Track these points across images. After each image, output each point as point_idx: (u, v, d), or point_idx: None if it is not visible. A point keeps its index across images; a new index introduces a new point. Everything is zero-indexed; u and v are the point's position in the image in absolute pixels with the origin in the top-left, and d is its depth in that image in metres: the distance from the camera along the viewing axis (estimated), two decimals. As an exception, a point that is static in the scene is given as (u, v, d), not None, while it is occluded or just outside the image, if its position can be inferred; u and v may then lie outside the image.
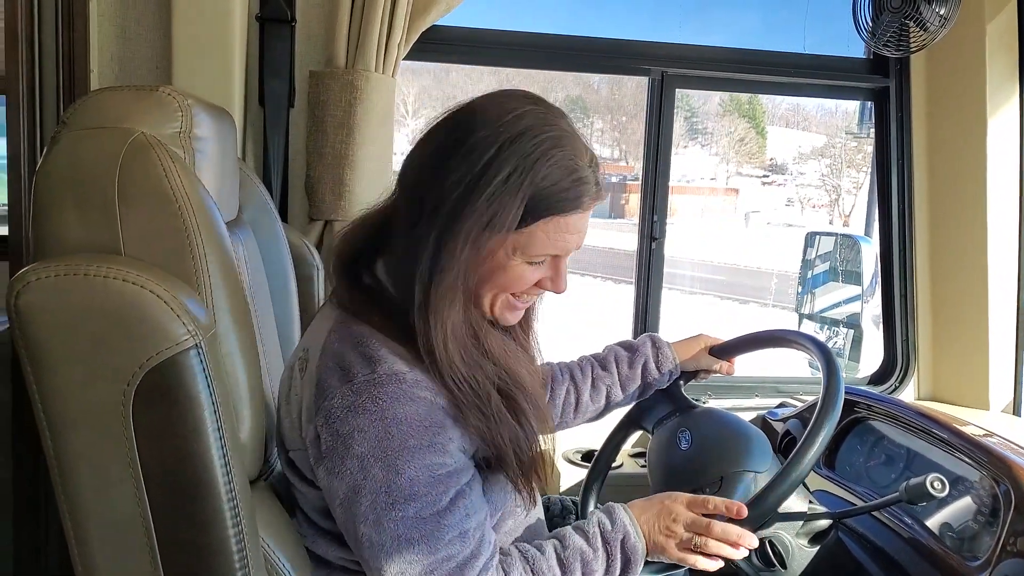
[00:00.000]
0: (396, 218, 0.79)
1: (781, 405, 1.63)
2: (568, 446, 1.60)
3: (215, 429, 0.70)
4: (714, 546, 0.82)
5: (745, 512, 0.84)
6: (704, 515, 0.83)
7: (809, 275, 2.53)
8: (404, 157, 0.83)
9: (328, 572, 0.84)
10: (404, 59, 1.47)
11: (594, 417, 1.13)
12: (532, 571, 0.78)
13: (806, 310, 2.59)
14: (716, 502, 0.84)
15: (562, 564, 0.79)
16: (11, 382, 1.39)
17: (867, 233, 2.70)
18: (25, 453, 1.38)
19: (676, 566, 0.87)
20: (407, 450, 0.72)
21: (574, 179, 0.76)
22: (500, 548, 0.79)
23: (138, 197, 0.75)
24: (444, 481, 0.74)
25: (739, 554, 0.84)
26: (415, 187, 0.78)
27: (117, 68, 1.44)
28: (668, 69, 1.65)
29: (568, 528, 0.83)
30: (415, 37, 1.45)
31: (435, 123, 0.80)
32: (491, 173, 0.73)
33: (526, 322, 0.90)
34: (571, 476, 1.57)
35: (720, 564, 0.84)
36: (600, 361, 1.12)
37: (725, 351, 1.12)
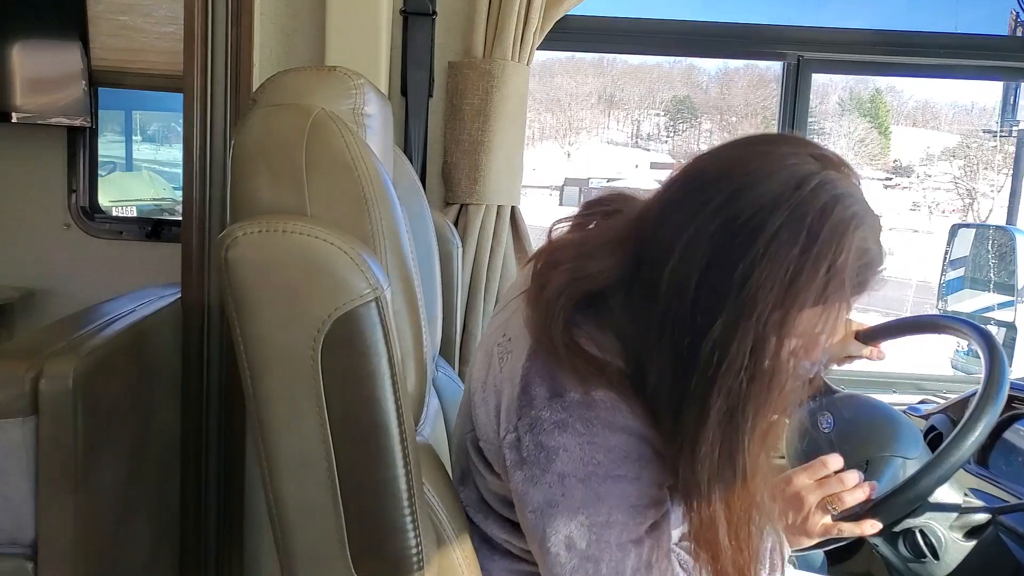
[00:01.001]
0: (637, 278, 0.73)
1: (922, 402, 1.58)
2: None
3: (391, 377, 0.77)
4: (848, 497, 0.81)
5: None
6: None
7: (951, 272, 2.41)
8: (638, 219, 0.75)
9: (489, 550, 0.86)
10: (538, 48, 1.54)
11: None
12: None
13: (951, 308, 2.46)
14: (828, 460, 0.83)
15: None
16: (180, 351, 1.54)
17: (1011, 234, 2.54)
18: (190, 414, 1.54)
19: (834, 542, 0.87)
20: (611, 479, 0.71)
21: (869, 261, 0.69)
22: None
23: (323, 165, 0.83)
24: (643, 512, 0.73)
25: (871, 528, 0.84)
26: (665, 257, 0.68)
27: (276, 63, 1.58)
28: (804, 53, 1.64)
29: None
30: (550, 26, 1.51)
31: (695, 180, 0.71)
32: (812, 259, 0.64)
33: None
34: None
35: (867, 530, 0.84)
36: None
37: (873, 336, 1.07)
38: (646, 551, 0.72)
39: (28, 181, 2.09)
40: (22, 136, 2.07)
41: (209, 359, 1.51)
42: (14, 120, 1.97)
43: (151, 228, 2.13)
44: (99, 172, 2.21)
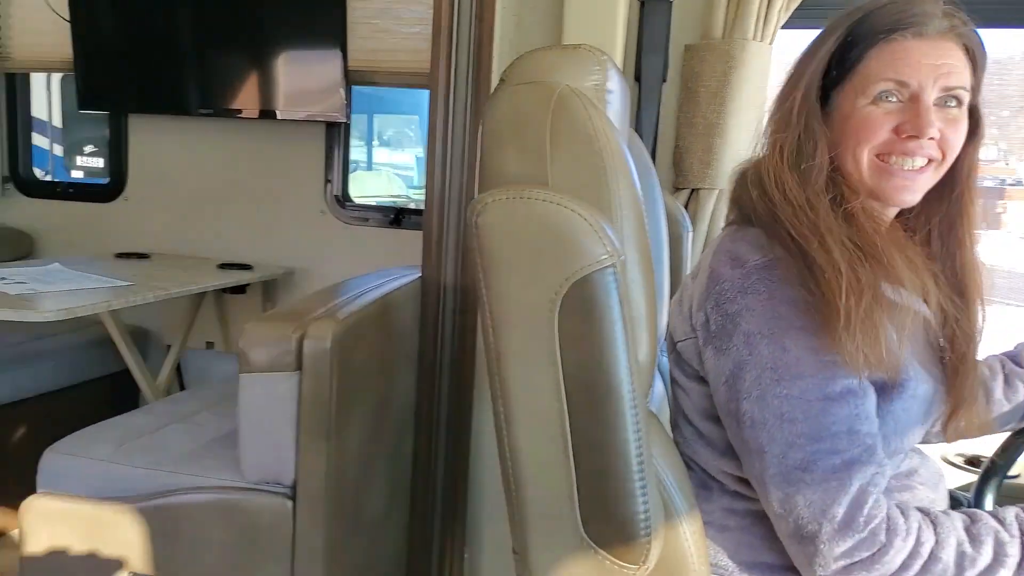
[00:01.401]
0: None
1: None
2: (949, 447, 1.46)
3: (624, 342, 0.79)
4: None
5: None
6: None
7: None
8: None
9: (707, 492, 0.88)
10: (782, 27, 1.48)
11: (1008, 422, 1.02)
12: (933, 523, 0.74)
13: None
14: None
15: (971, 534, 0.74)
16: (418, 323, 1.68)
17: None
18: (425, 380, 1.67)
19: None
20: (794, 329, 0.73)
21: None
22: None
23: (565, 138, 0.87)
24: (831, 368, 0.73)
25: None
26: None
27: (513, 54, 1.66)
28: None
29: (973, 509, 0.78)
30: (796, 3, 1.45)
31: None
32: (819, 38, 0.80)
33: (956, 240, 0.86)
34: (950, 481, 1.43)
35: None
36: (1013, 357, 1.01)
37: None
38: (846, 414, 0.72)
39: (292, 172, 2.39)
40: (288, 132, 2.37)
41: (443, 331, 1.63)
42: (279, 117, 2.26)
43: (394, 216, 2.35)
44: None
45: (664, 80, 1.56)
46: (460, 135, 1.74)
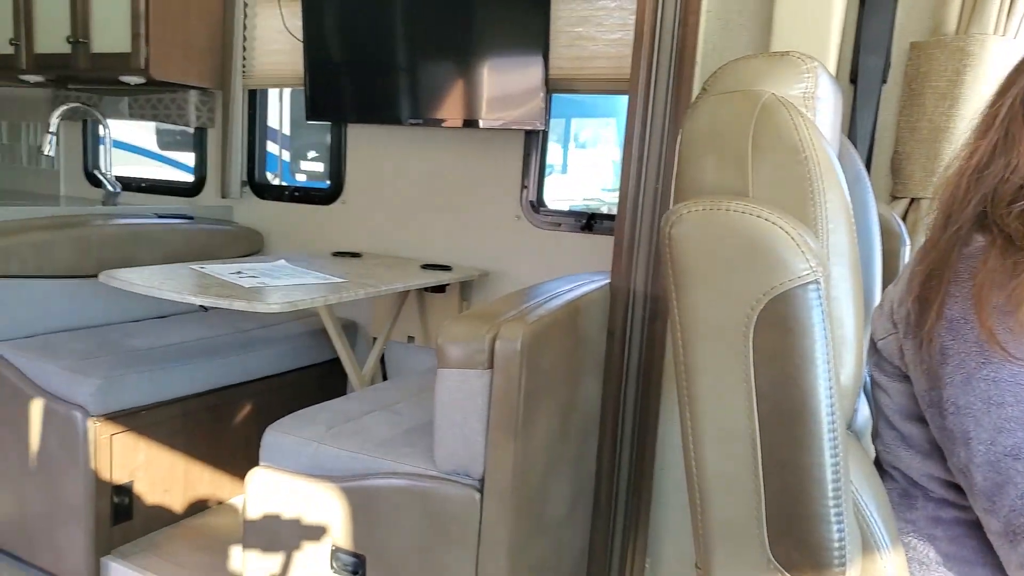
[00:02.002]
0: None
1: None
2: None
3: (824, 361, 0.76)
4: None
5: None
6: None
7: None
8: None
9: (911, 500, 0.84)
10: (1029, 19, 1.33)
11: None
12: None
13: None
14: None
15: None
16: (606, 329, 1.71)
17: None
18: (611, 385, 1.69)
19: None
20: (997, 309, 0.70)
21: None
22: None
23: (769, 148, 0.85)
24: None
25: None
26: None
27: (718, 58, 1.64)
28: None
29: None
30: (1050, -10, 1.30)
31: None
32: None
33: None
34: None
35: None
36: None
37: None
38: None
39: (490, 179, 2.51)
40: (488, 140, 2.50)
41: (631, 339, 1.65)
42: (481, 126, 2.38)
43: (585, 221, 2.39)
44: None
45: (884, 82, 1.46)
46: (657, 142, 1.74)
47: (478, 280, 2.54)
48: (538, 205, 2.49)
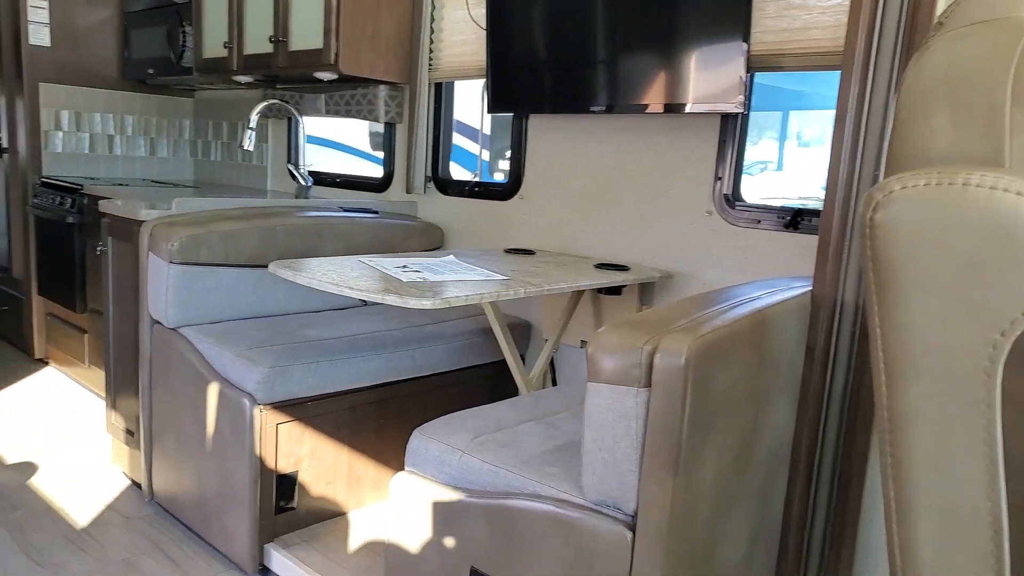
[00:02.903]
0: None
1: None
2: None
3: None
4: None
5: None
6: None
7: None
8: None
9: None
10: None
11: None
12: None
13: None
14: None
15: None
16: (803, 345, 1.42)
17: None
18: (807, 414, 1.41)
19: None
20: None
21: None
22: None
23: (1038, 95, 0.58)
24: None
25: None
26: None
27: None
28: None
29: None
30: None
31: None
32: None
33: None
34: None
35: None
36: None
37: None
38: None
39: (677, 169, 2.27)
40: (675, 126, 2.26)
41: (835, 358, 1.36)
42: (665, 111, 2.15)
43: (790, 218, 2.08)
44: (750, 172, 2.28)
45: None
46: (878, 121, 1.43)
47: (661, 282, 2.31)
48: (734, 199, 2.21)
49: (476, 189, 2.84)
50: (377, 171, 3.24)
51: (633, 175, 2.38)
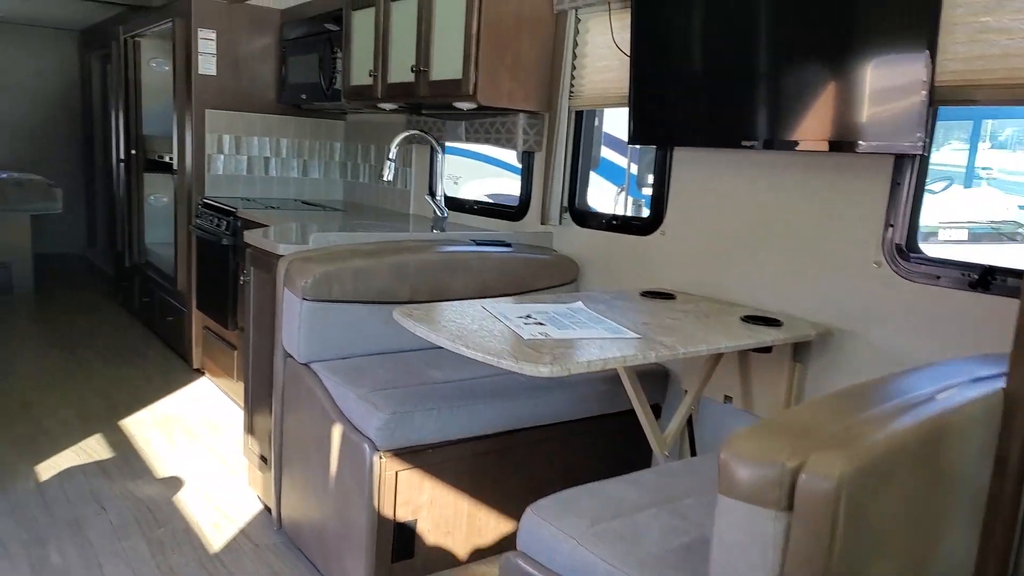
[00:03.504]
0: None
1: None
2: None
3: None
4: None
5: None
6: None
7: None
8: None
9: None
10: None
11: None
12: None
13: None
14: None
15: None
16: (992, 458, 1.18)
17: None
18: (993, 548, 1.17)
19: None
20: None
21: None
22: None
23: None
24: None
25: None
26: None
27: None
28: None
29: None
30: None
31: None
32: None
33: None
34: None
35: None
36: None
37: None
38: None
39: (839, 213, 2.03)
40: (839, 166, 2.01)
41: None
42: (828, 150, 1.91)
43: (978, 276, 1.78)
44: (931, 189, 1.99)
45: None
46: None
47: (817, 340, 2.07)
48: (908, 250, 1.94)
49: (615, 223, 2.70)
50: (515, 187, 3.17)
51: (788, 216, 2.16)
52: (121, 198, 5.12)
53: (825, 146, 1.92)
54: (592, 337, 1.70)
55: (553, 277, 2.72)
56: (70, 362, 4.01)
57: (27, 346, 4.25)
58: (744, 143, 2.10)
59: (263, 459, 2.56)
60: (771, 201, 2.19)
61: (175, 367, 4.06)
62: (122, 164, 5.04)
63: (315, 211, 3.58)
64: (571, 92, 2.73)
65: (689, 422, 2.34)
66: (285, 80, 3.96)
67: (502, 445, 2.15)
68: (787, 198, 2.15)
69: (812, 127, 1.94)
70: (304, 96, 3.77)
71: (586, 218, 2.80)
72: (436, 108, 3.18)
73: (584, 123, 2.81)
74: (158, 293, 4.51)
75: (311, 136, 4.22)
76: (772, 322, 2.02)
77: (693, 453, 2.37)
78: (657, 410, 2.46)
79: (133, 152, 4.86)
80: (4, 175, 5.58)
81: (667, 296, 2.30)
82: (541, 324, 1.78)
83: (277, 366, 2.36)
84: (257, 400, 2.60)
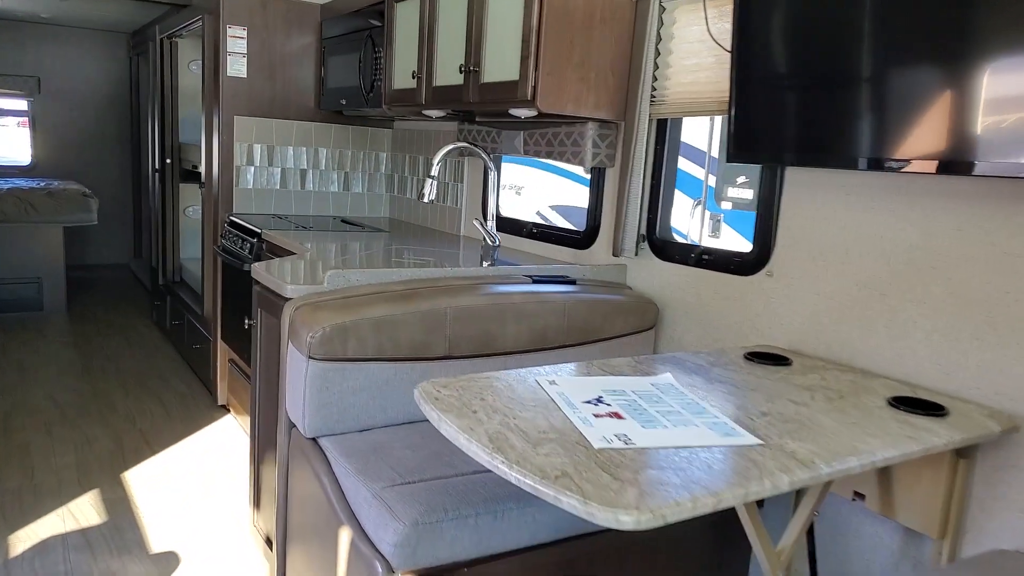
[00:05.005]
0: None
1: None
2: None
3: None
4: None
5: None
6: None
7: None
8: None
9: None
10: None
11: None
12: None
13: None
14: None
15: None
16: None
17: None
18: None
19: None
20: None
21: None
22: None
23: None
24: None
25: None
26: None
27: None
28: None
29: None
30: None
31: None
32: None
33: None
34: None
35: None
36: None
37: None
38: None
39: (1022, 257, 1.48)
40: (1005, 193, 1.47)
41: None
42: (976, 173, 1.37)
43: None
44: None
45: None
46: None
47: (1001, 441, 1.51)
48: None
49: (706, 257, 2.18)
50: (585, 198, 2.68)
51: (950, 262, 1.61)
52: (156, 209, 4.83)
53: (1013, 170, 1.37)
54: (692, 445, 1.19)
55: (628, 323, 2.22)
56: (87, 394, 3.68)
57: (46, 374, 3.95)
58: (890, 164, 1.57)
59: (268, 543, 2.13)
60: (925, 241, 1.65)
61: (199, 402, 3.69)
62: (157, 174, 4.74)
63: (354, 232, 3.16)
64: (652, 98, 2.23)
65: (810, 533, 1.80)
66: (324, 83, 3.56)
67: (563, 557, 1.66)
68: (947, 238, 1.61)
69: (991, 144, 1.39)
70: (344, 101, 3.35)
71: (669, 250, 2.29)
72: (490, 116, 2.72)
73: (668, 134, 2.30)
74: (187, 316, 4.16)
75: (354, 146, 3.82)
76: (933, 408, 1.48)
77: (813, 573, 1.82)
78: (760, 506, 1.93)
79: (168, 161, 4.55)
80: (37, 183, 5.36)
81: (780, 360, 1.77)
82: (618, 417, 1.28)
83: (281, 438, 1.92)
84: (265, 470, 2.17)
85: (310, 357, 1.75)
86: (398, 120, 3.82)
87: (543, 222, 2.90)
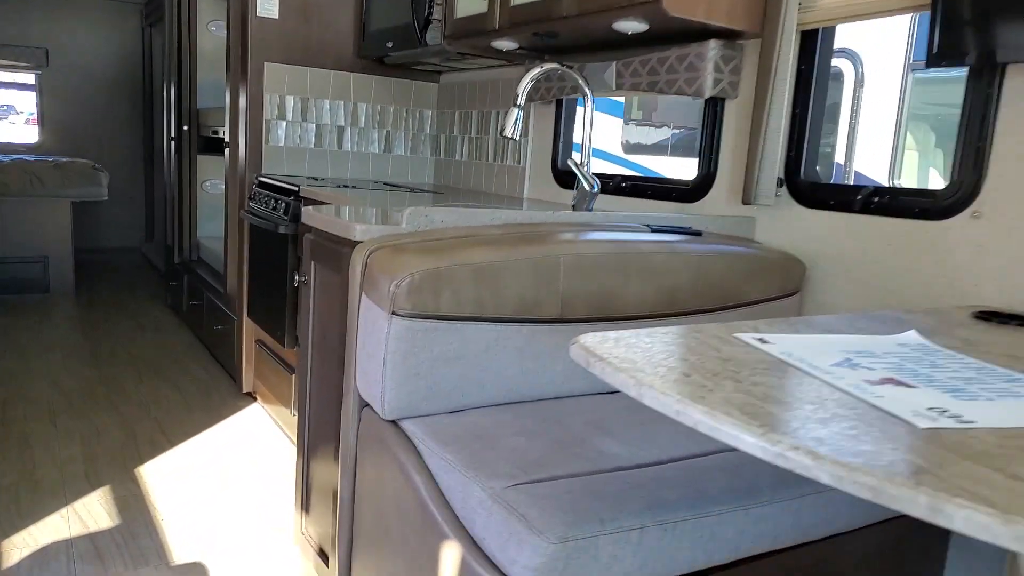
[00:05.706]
0: None
1: None
2: None
3: None
4: None
5: None
6: None
7: None
8: None
9: None
10: None
11: None
12: None
13: None
14: None
15: None
16: None
17: None
18: None
19: None
20: None
21: None
22: None
23: None
24: None
25: None
26: None
27: None
28: None
29: None
30: None
31: None
32: None
33: None
34: None
35: None
36: None
37: None
38: None
39: None
40: None
41: None
42: None
43: None
44: None
45: None
46: None
47: None
48: None
49: (876, 200, 1.73)
50: (686, 170, 2.23)
51: None
52: (171, 183, 4.40)
53: None
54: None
55: (770, 285, 1.77)
56: (95, 380, 3.25)
57: (50, 358, 3.53)
58: None
59: (322, 556, 1.69)
60: None
61: (221, 389, 3.26)
62: (172, 142, 4.31)
63: (404, 192, 2.72)
64: (800, 1, 1.78)
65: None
66: (366, 26, 3.12)
67: (741, 584, 1.21)
68: None
69: None
70: (391, 44, 2.91)
71: (821, 194, 1.84)
72: (576, 45, 2.28)
73: (819, 52, 1.85)
74: (207, 295, 3.73)
75: (396, 101, 3.37)
76: None
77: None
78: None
79: (185, 128, 4.12)
80: (46, 158, 4.94)
81: (1015, 320, 1.32)
82: (903, 385, 0.83)
83: (347, 422, 1.48)
84: (318, 465, 1.73)
85: (393, 313, 1.30)
86: (445, 72, 3.38)
87: (633, 175, 2.45)
